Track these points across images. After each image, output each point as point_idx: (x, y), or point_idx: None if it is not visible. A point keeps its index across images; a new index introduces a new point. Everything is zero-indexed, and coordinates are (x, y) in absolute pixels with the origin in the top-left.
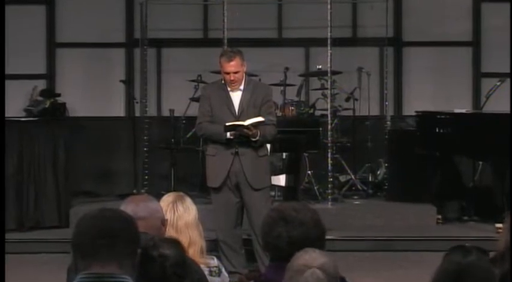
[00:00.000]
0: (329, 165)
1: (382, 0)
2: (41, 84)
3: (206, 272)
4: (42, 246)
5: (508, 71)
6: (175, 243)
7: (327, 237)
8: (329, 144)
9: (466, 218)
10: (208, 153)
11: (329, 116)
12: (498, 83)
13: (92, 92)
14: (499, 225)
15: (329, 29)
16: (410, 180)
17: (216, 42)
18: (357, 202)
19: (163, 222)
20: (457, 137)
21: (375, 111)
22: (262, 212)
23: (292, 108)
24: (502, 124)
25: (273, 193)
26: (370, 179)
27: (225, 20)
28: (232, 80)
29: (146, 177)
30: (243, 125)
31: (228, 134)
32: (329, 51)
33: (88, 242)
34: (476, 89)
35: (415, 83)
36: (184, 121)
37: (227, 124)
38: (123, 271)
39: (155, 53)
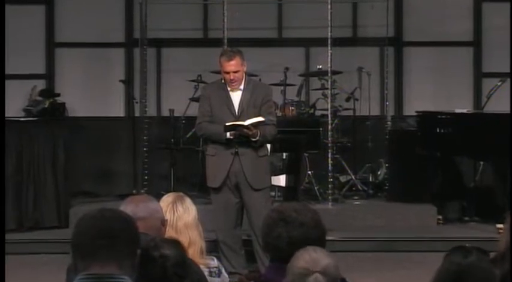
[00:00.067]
0: (329, 165)
1: (382, 0)
2: (40, 84)
3: (206, 273)
4: (41, 246)
5: (509, 70)
6: (176, 243)
7: (327, 237)
8: (329, 145)
9: (466, 218)
10: (208, 153)
11: (329, 116)
12: (499, 83)
13: (92, 92)
14: (500, 225)
15: (329, 28)
16: (411, 181)
17: (216, 42)
18: (357, 202)
19: (163, 222)
20: (457, 137)
21: (375, 111)
22: (262, 213)
23: (293, 108)
24: (502, 124)
25: (273, 193)
26: (370, 179)
27: (225, 20)
28: (232, 80)
29: (146, 177)
30: (243, 125)
31: (228, 134)
32: (329, 51)
33: (87, 242)
34: (477, 89)
35: (416, 83)
36: (184, 121)
37: (227, 124)
38: (122, 271)
39: (155, 53)
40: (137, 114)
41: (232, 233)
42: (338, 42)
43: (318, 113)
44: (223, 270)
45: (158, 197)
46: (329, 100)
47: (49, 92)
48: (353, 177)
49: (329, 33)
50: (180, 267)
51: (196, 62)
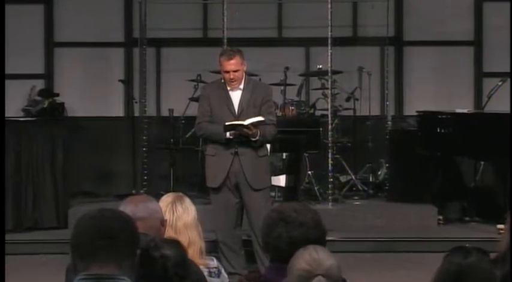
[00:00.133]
0: (329, 165)
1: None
2: (39, 84)
3: (205, 273)
4: (40, 247)
5: (509, 70)
6: (176, 243)
7: (328, 238)
8: (329, 145)
9: (467, 218)
10: (208, 153)
11: (329, 116)
12: (500, 83)
13: (91, 92)
14: (501, 226)
15: (329, 28)
16: (412, 181)
17: (216, 42)
18: (357, 203)
19: (163, 222)
20: (458, 137)
21: (375, 111)
22: (262, 213)
23: (293, 108)
24: (503, 124)
25: (273, 193)
26: (370, 180)
27: (225, 20)
28: (232, 79)
29: (145, 177)
30: (242, 125)
31: (228, 133)
32: (329, 51)
33: (87, 242)
34: (478, 88)
35: (416, 82)
36: (183, 121)
37: (227, 123)
38: (122, 272)
39: (154, 53)
40: (137, 114)
41: (232, 233)
42: (338, 41)
43: (318, 112)
44: (222, 271)
45: (158, 197)
46: (329, 100)
47: (48, 92)
48: (353, 177)
49: (329, 33)
50: (181, 267)
51: (196, 62)
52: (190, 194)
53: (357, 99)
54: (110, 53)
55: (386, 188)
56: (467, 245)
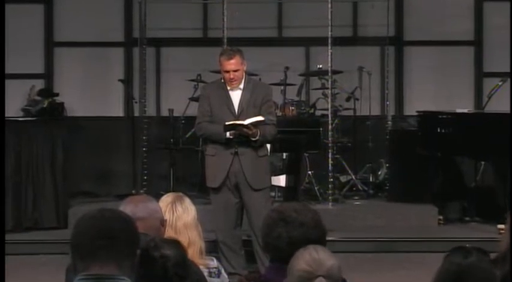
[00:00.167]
0: (329, 165)
1: None
2: (39, 84)
3: (205, 273)
4: (40, 247)
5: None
6: (176, 243)
7: (328, 238)
8: (329, 144)
9: (467, 218)
10: (208, 153)
11: (329, 115)
12: (500, 83)
13: (91, 92)
14: (501, 226)
15: (329, 28)
16: (412, 181)
17: (216, 42)
18: (357, 203)
19: (163, 222)
20: (458, 137)
21: (375, 111)
22: (262, 213)
23: (293, 108)
24: (504, 124)
25: (273, 194)
26: (371, 180)
27: (225, 19)
28: (232, 78)
29: (145, 177)
30: (242, 124)
31: (228, 133)
32: (329, 51)
33: (87, 242)
34: (478, 88)
35: (417, 82)
36: (183, 121)
37: (227, 123)
38: (122, 272)
39: (154, 53)
40: (136, 114)
41: (232, 233)
42: (338, 41)
43: (318, 112)
44: (222, 271)
45: (157, 197)
46: (329, 100)
47: (48, 92)
48: (353, 177)
49: (329, 33)
50: (181, 267)
51: (196, 62)
52: (190, 194)
53: (357, 99)
54: (110, 52)
55: (387, 188)
56: (467, 245)
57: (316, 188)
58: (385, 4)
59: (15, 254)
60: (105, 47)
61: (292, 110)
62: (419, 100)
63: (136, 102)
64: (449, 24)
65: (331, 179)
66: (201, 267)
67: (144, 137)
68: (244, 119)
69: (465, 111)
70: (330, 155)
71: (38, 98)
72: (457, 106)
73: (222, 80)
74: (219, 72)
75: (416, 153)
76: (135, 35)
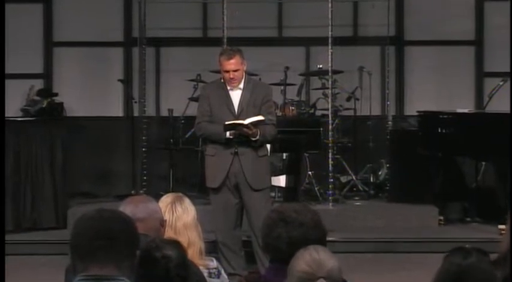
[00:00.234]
0: (330, 165)
1: None
2: (38, 84)
3: (205, 274)
4: (39, 247)
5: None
6: (177, 244)
7: (328, 238)
8: (330, 145)
9: (468, 219)
10: (208, 154)
11: (330, 115)
12: (501, 83)
13: (90, 92)
14: (502, 226)
15: (330, 27)
16: (412, 181)
17: (216, 42)
18: (358, 203)
19: (162, 223)
20: (459, 137)
21: (376, 111)
22: (262, 213)
23: (293, 108)
24: (504, 124)
25: (273, 194)
26: (371, 180)
27: (225, 19)
28: (232, 78)
29: (145, 177)
30: (242, 124)
31: (228, 133)
32: (330, 51)
33: (86, 243)
34: (479, 88)
35: (417, 82)
36: (183, 121)
37: (226, 123)
38: (121, 273)
39: (154, 52)
40: (136, 114)
41: (232, 233)
42: (339, 41)
43: (319, 112)
44: (222, 272)
45: (157, 197)
46: (329, 100)
47: (47, 92)
48: (354, 177)
49: (329, 32)
50: (182, 268)
51: (196, 62)
52: (190, 194)
53: (358, 99)
54: (109, 52)
55: (387, 188)
56: (467, 246)
57: (316, 189)
58: (385, 4)
59: (14, 255)
60: (104, 47)
61: (292, 110)
62: (420, 100)
63: (135, 102)
64: (450, 24)
65: (332, 180)
66: (201, 267)
67: (143, 137)
68: (244, 119)
69: (466, 111)
70: (330, 155)
71: (37, 98)
72: (457, 106)
73: (222, 80)
74: (218, 72)
75: (416, 154)
76: (134, 34)
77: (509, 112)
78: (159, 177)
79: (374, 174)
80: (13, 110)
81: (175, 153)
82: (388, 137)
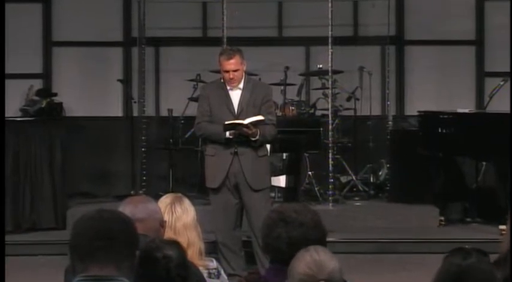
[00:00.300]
0: (330, 165)
1: None
2: (37, 84)
3: (205, 274)
4: (38, 248)
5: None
6: (177, 244)
7: (328, 239)
8: (330, 145)
9: (469, 219)
10: (207, 154)
11: (330, 115)
12: (501, 83)
13: (89, 92)
14: (503, 227)
15: (330, 27)
16: (413, 181)
17: (216, 41)
18: (358, 203)
19: (162, 223)
20: (460, 137)
21: (376, 111)
22: (262, 214)
23: (293, 108)
24: (505, 124)
25: (273, 194)
26: (371, 180)
27: (225, 19)
28: (232, 78)
29: (144, 178)
30: (242, 124)
31: (228, 133)
32: (330, 50)
33: (85, 243)
34: (480, 88)
35: (418, 82)
36: (182, 121)
37: (226, 123)
38: (121, 273)
39: (153, 52)
40: (135, 114)
41: (232, 234)
42: (339, 41)
43: (319, 112)
44: (222, 272)
45: (157, 197)
46: (330, 100)
47: (46, 92)
48: (354, 177)
49: (330, 32)
50: (183, 268)
51: (195, 62)
52: (189, 194)
53: (358, 99)
54: (109, 52)
55: (387, 188)
56: (466, 246)
57: (316, 189)
58: (385, 3)
59: (13, 255)
60: (103, 47)
61: (292, 110)
62: (420, 100)
63: (135, 102)
64: (451, 24)
65: (332, 180)
66: (201, 268)
67: (143, 137)
68: (243, 119)
69: (466, 111)
70: (330, 155)
71: (36, 98)
72: (458, 106)
73: (222, 80)
74: (218, 72)
75: (417, 154)
76: (134, 34)
77: (509, 112)
78: (158, 178)
79: (374, 174)
80: (12, 110)
81: (175, 154)
82: (388, 137)
